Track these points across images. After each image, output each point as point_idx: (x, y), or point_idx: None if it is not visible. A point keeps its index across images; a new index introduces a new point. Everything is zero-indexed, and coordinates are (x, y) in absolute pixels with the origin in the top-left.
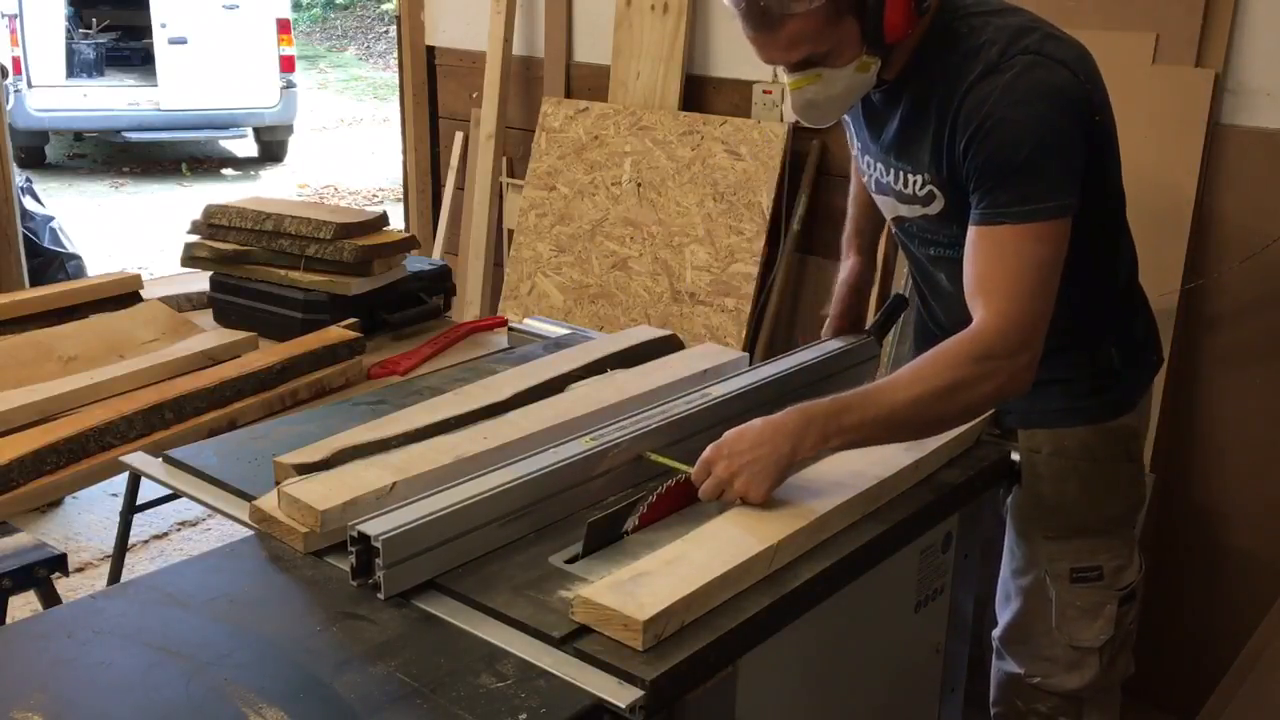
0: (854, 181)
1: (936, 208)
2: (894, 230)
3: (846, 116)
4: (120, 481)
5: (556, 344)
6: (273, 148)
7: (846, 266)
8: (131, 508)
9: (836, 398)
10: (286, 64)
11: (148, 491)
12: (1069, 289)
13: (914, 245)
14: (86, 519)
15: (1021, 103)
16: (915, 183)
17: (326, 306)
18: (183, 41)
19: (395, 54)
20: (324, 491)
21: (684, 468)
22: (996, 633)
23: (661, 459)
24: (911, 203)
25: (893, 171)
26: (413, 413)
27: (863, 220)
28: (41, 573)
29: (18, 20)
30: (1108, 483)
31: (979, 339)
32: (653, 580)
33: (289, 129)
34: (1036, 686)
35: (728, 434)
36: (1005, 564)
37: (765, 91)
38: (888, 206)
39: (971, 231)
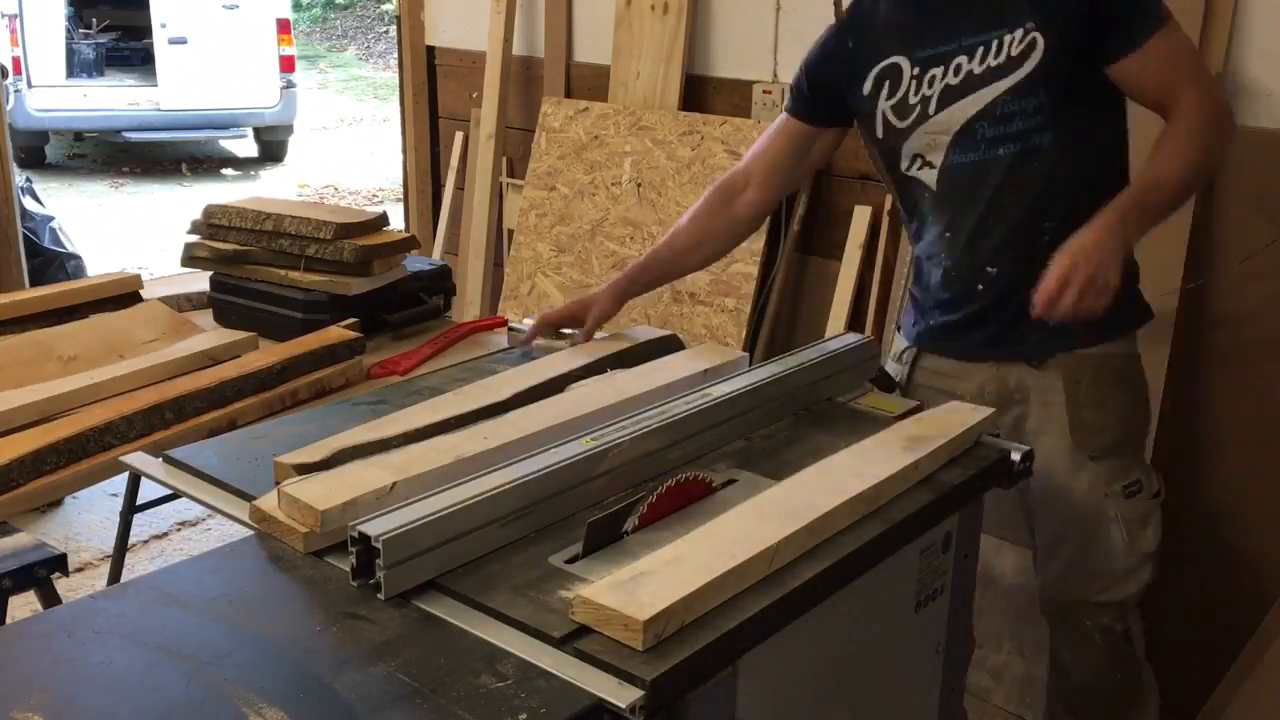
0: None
1: (1032, 63)
2: (945, 165)
3: (866, 88)
4: (120, 481)
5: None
6: (273, 148)
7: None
8: (131, 508)
9: (1130, 199)
10: (286, 64)
11: (148, 491)
12: (1097, 193)
13: (979, 153)
14: (86, 519)
15: None
16: (1010, 42)
17: (326, 306)
18: (183, 41)
19: (395, 54)
20: (324, 491)
21: None
22: (1047, 582)
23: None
24: (998, 77)
25: (978, 50)
26: (413, 413)
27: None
28: (41, 573)
29: (18, 20)
30: (1132, 403)
31: (1204, 109)
32: (653, 580)
33: (289, 129)
34: (1099, 602)
35: (1068, 254)
36: (1049, 512)
37: (765, 91)
38: (952, 119)
39: (1131, 58)
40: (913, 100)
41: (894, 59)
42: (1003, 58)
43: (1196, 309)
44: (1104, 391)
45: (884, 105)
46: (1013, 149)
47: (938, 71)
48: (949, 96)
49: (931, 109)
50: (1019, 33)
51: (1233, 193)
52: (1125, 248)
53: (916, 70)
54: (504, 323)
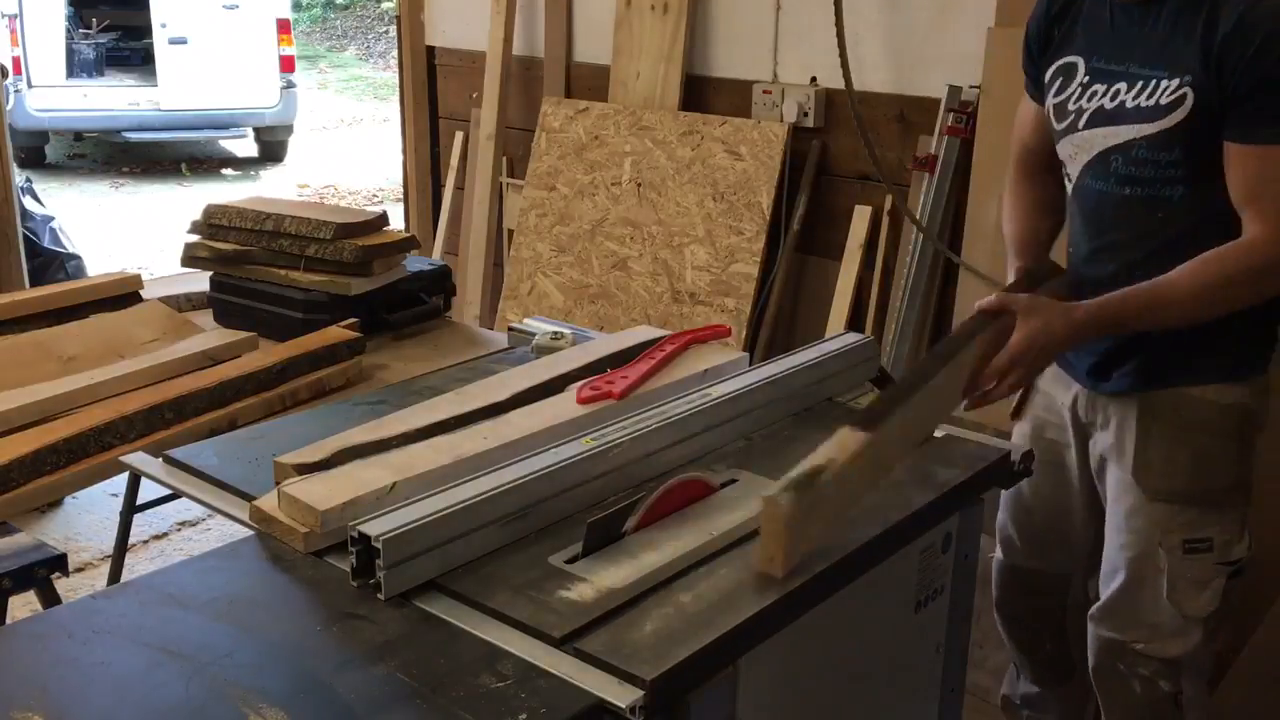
0: (1013, 194)
1: (1176, 118)
2: (1078, 183)
3: (1070, 59)
4: (120, 481)
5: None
6: (273, 148)
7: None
8: (131, 508)
9: (1121, 307)
10: (286, 64)
11: (148, 491)
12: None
13: (1108, 185)
14: (86, 519)
15: None
16: (1166, 89)
17: (326, 306)
18: (183, 41)
19: (395, 54)
20: (324, 491)
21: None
22: (1098, 604)
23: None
24: (1142, 120)
25: (1138, 84)
26: (413, 413)
27: (1036, 220)
28: (41, 573)
29: (18, 20)
30: (1216, 456)
31: (1256, 252)
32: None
33: (289, 129)
34: (1140, 652)
35: (1020, 344)
36: (1111, 540)
37: (765, 91)
38: (1093, 142)
39: (1238, 149)
40: (1070, 107)
41: (1073, 58)
42: (1153, 102)
43: None
44: (1184, 435)
45: (1050, 100)
46: (1140, 192)
47: (1100, 88)
48: (1097, 119)
49: (1081, 123)
50: (1178, 82)
51: None
52: (1073, 348)
53: (1086, 78)
54: (728, 332)
